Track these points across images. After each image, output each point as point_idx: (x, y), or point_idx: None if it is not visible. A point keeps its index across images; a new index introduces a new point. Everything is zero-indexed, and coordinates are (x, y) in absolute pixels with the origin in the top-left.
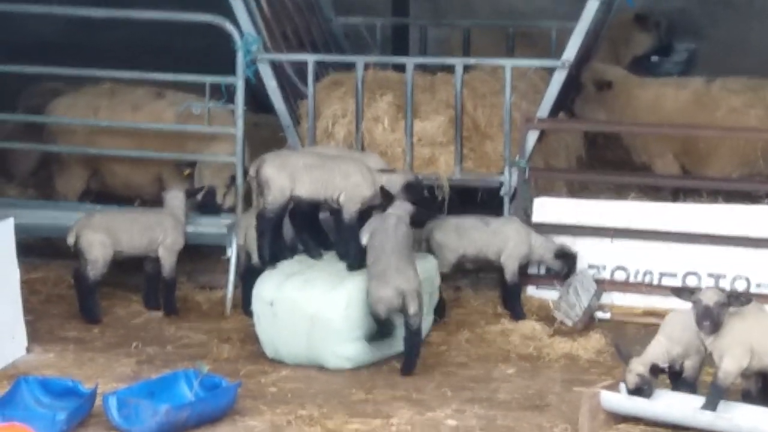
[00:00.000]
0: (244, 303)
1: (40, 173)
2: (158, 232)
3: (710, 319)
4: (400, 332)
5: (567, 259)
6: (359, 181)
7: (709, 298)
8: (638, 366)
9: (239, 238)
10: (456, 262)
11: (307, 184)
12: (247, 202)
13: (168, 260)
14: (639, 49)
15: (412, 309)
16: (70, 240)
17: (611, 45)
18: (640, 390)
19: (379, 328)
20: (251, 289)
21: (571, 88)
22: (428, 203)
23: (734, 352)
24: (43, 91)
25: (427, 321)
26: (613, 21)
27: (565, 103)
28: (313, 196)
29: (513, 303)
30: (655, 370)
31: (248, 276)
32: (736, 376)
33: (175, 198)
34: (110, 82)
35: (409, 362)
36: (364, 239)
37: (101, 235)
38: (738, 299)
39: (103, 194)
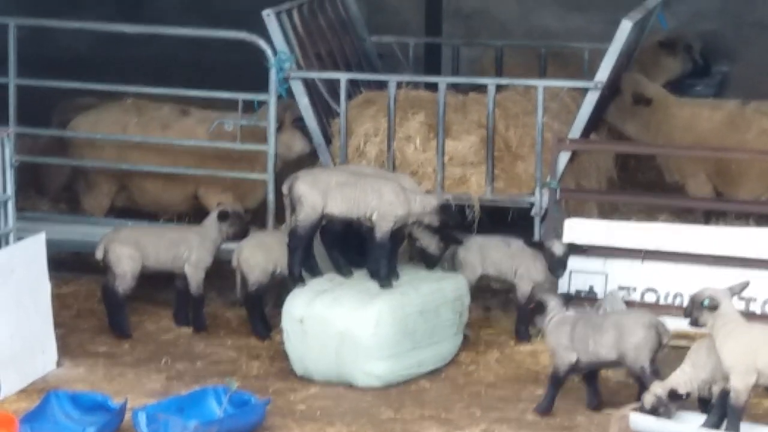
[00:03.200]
0: (254, 328)
1: (73, 188)
2: (183, 249)
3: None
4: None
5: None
6: (392, 200)
7: (694, 294)
8: (657, 388)
9: (233, 260)
10: (477, 282)
11: (339, 202)
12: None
13: (194, 277)
14: (668, 74)
15: None
16: (99, 254)
17: (641, 68)
18: (656, 411)
19: None
20: (255, 313)
21: (604, 108)
22: (452, 229)
23: (738, 370)
24: (77, 107)
25: (456, 341)
26: (643, 45)
27: (597, 124)
28: (345, 214)
29: (519, 323)
30: (674, 395)
31: (248, 302)
32: (746, 394)
33: (209, 218)
34: (132, 98)
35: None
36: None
37: (129, 249)
38: (703, 307)
39: (128, 210)
